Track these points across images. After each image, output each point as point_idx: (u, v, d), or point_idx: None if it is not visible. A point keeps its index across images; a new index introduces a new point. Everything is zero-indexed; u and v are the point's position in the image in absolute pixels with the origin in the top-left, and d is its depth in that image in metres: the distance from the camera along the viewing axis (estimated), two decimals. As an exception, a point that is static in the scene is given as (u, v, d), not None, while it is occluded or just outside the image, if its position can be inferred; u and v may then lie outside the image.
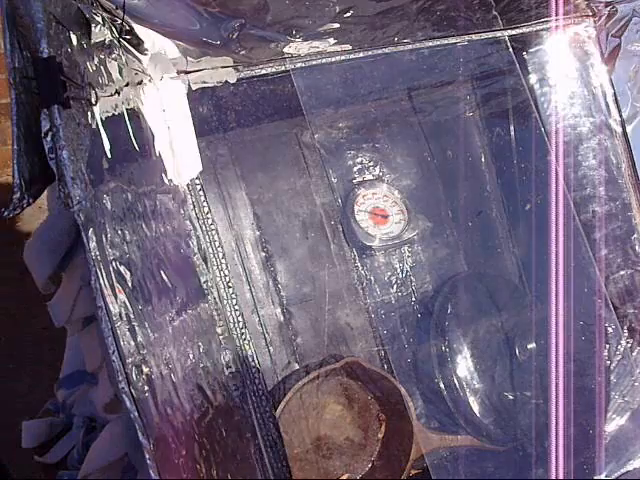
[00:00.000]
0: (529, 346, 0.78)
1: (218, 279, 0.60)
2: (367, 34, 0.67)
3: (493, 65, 0.79)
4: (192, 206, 0.59)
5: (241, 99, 0.69)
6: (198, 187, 0.60)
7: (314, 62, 0.69)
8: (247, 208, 0.74)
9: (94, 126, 0.41)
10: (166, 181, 0.57)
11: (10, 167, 0.37)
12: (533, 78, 0.80)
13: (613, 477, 0.75)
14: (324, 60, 0.69)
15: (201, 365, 0.52)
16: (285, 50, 0.64)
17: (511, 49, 0.79)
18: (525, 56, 0.81)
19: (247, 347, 0.60)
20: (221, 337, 0.58)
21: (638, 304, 0.79)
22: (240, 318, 0.60)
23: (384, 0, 0.60)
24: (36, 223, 0.59)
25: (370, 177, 0.79)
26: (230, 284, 0.60)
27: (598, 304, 0.80)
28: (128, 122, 0.49)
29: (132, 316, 0.40)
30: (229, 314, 0.60)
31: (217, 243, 0.60)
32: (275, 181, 0.75)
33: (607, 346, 0.80)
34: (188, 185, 0.59)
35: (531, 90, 0.80)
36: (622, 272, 0.80)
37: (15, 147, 0.36)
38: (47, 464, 0.70)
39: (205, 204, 0.60)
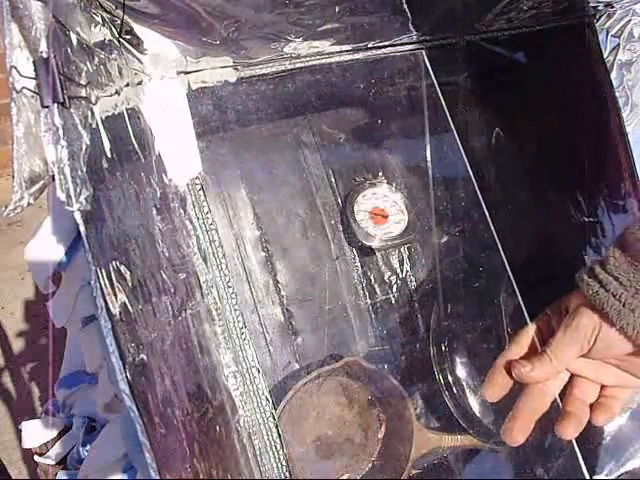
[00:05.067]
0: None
1: (218, 279, 0.60)
2: (367, 34, 0.67)
3: (494, 64, 0.80)
4: (192, 206, 0.59)
5: (241, 99, 0.69)
6: (198, 187, 0.60)
7: (314, 62, 0.69)
8: (247, 208, 0.74)
9: (94, 126, 0.41)
10: (166, 181, 0.57)
11: (10, 167, 0.37)
12: (533, 78, 0.81)
13: (613, 477, 0.75)
14: (324, 60, 0.69)
15: (201, 365, 0.52)
16: (285, 50, 0.64)
17: (511, 49, 0.79)
18: (525, 56, 0.81)
19: (247, 347, 0.60)
20: (221, 337, 0.58)
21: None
22: (240, 318, 0.60)
23: (385, 2, 0.60)
24: (36, 223, 0.59)
25: (370, 177, 0.79)
26: (230, 284, 0.60)
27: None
28: (128, 122, 0.49)
29: (132, 316, 0.40)
30: (229, 314, 0.60)
31: (217, 243, 0.60)
32: (275, 181, 0.75)
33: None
34: (188, 185, 0.59)
35: (531, 90, 0.80)
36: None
37: (15, 147, 0.36)
38: (47, 464, 0.70)
39: (205, 204, 0.60)
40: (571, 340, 0.48)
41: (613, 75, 0.77)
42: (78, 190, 0.36)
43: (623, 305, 0.45)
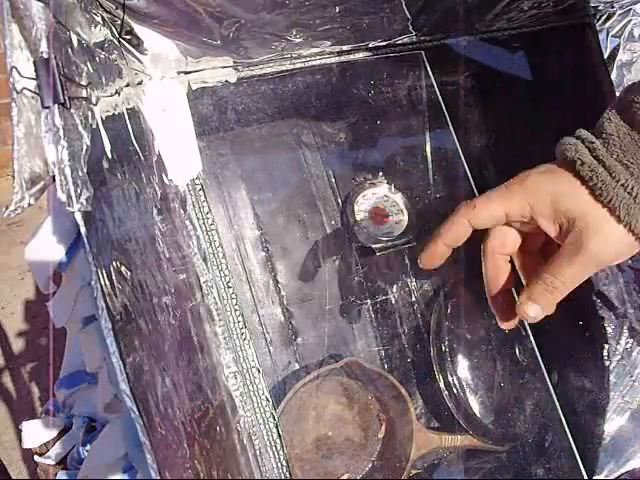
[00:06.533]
0: (529, 346, 0.78)
1: (218, 279, 0.60)
2: (367, 34, 0.67)
3: (494, 64, 0.80)
4: (192, 206, 0.59)
5: (241, 99, 0.69)
6: (198, 187, 0.60)
7: (314, 62, 0.69)
8: (247, 208, 0.73)
9: (94, 126, 0.41)
10: (166, 181, 0.57)
11: (10, 167, 0.37)
12: (533, 78, 0.81)
13: (612, 477, 0.75)
14: (324, 60, 0.69)
15: (201, 365, 0.52)
16: (285, 50, 0.64)
17: (511, 49, 0.79)
18: (525, 56, 0.81)
19: (247, 347, 0.60)
20: (221, 337, 0.58)
21: (638, 304, 0.80)
22: (240, 318, 0.60)
23: (385, 2, 0.60)
24: (36, 223, 0.59)
25: (370, 177, 0.79)
26: (230, 284, 0.60)
27: (598, 304, 0.80)
28: (128, 122, 0.49)
29: (132, 316, 0.40)
30: (229, 314, 0.60)
31: (217, 243, 0.60)
32: (275, 181, 0.75)
33: (607, 346, 0.80)
34: (188, 185, 0.59)
35: (531, 89, 0.80)
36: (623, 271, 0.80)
37: (15, 147, 0.36)
38: (47, 464, 0.70)
39: (205, 204, 0.60)
40: (575, 265, 0.41)
41: (613, 75, 0.77)
42: (79, 191, 0.36)
43: (634, 199, 0.39)
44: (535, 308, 0.43)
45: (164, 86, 0.59)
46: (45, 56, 0.36)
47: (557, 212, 0.42)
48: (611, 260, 0.42)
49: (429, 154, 0.82)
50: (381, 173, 0.80)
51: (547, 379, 0.77)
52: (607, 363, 0.79)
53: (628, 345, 0.79)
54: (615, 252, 0.41)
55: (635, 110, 0.41)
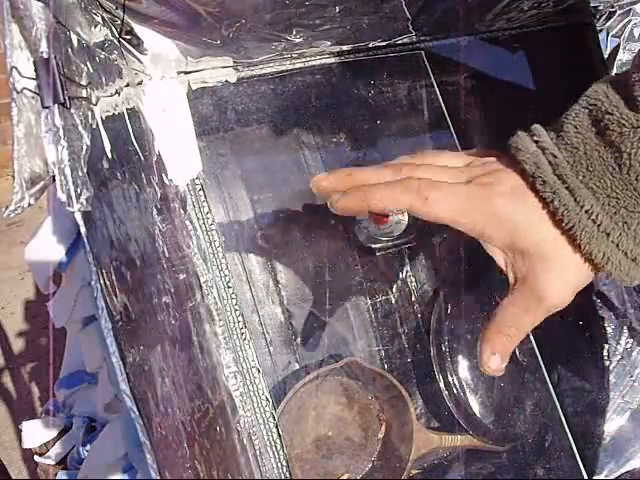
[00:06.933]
0: (529, 346, 0.78)
1: (218, 279, 0.60)
2: (368, 34, 0.67)
3: (494, 64, 0.80)
4: (192, 206, 0.59)
5: (241, 99, 0.69)
6: (198, 187, 0.60)
7: (314, 62, 0.69)
8: (247, 208, 0.73)
9: (94, 126, 0.41)
10: (166, 181, 0.57)
11: (10, 167, 0.37)
12: (533, 78, 0.81)
13: (612, 477, 0.75)
14: (324, 60, 0.69)
15: (201, 365, 0.52)
16: (285, 50, 0.64)
17: (511, 49, 0.79)
18: (525, 56, 0.81)
19: (247, 347, 0.60)
20: (221, 337, 0.58)
21: (638, 304, 0.80)
22: (240, 318, 0.60)
23: (385, 2, 0.60)
24: (36, 223, 0.59)
25: (370, 177, 0.79)
26: (230, 284, 0.60)
27: (598, 304, 0.80)
28: (128, 122, 0.49)
29: (132, 316, 0.40)
30: (229, 314, 0.60)
31: (217, 243, 0.60)
32: (275, 181, 0.75)
33: (607, 346, 0.80)
34: (188, 185, 0.59)
35: (531, 90, 0.80)
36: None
37: (15, 147, 0.36)
38: (47, 464, 0.70)
39: (205, 204, 0.60)
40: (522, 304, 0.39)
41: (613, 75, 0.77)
42: (79, 191, 0.36)
43: (598, 227, 0.35)
44: (497, 360, 0.41)
45: (164, 86, 0.59)
46: (45, 56, 0.35)
47: (512, 243, 0.39)
48: (568, 300, 0.39)
49: (429, 154, 0.82)
50: (381, 173, 0.80)
51: (547, 379, 0.77)
52: (607, 363, 0.79)
53: (628, 345, 0.79)
54: (573, 288, 0.38)
55: (606, 124, 0.36)
